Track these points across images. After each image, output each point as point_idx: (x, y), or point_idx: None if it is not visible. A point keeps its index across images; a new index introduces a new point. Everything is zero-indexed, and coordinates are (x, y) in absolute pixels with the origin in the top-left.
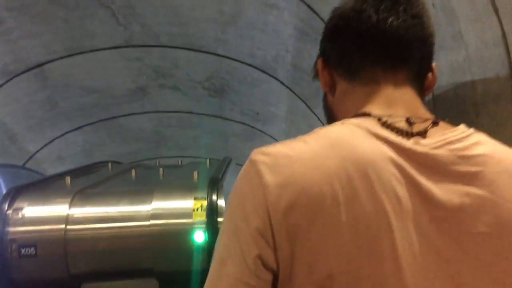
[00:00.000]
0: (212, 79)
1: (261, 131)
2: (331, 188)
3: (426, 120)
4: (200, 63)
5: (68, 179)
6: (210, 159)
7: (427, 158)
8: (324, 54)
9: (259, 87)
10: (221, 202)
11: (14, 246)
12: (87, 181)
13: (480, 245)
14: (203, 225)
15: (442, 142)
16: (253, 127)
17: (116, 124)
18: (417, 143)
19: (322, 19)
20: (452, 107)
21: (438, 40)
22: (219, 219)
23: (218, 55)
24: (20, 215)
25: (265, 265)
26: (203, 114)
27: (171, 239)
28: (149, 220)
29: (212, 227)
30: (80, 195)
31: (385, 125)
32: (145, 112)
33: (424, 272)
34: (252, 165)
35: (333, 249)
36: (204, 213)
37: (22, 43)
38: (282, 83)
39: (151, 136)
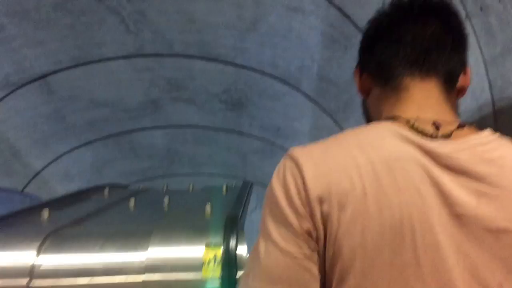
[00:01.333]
0: (230, 92)
1: (282, 147)
2: (360, 182)
3: (452, 123)
4: (217, 74)
5: (45, 213)
6: (227, 185)
7: (450, 159)
8: (361, 62)
9: (281, 100)
10: (242, 251)
11: None
12: (71, 215)
13: (497, 240)
14: (217, 284)
15: (465, 145)
16: (273, 143)
17: (127, 140)
18: (441, 145)
19: (354, 23)
20: None
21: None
22: (239, 273)
23: (237, 65)
24: None
25: (312, 242)
26: (219, 129)
27: None
28: (143, 273)
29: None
30: (54, 238)
31: (413, 127)
32: (158, 127)
33: (443, 263)
34: (292, 159)
35: (360, 234)
36: (219, 268)
37: (25, 52)
38: (306, 95)
39: (164, 152)
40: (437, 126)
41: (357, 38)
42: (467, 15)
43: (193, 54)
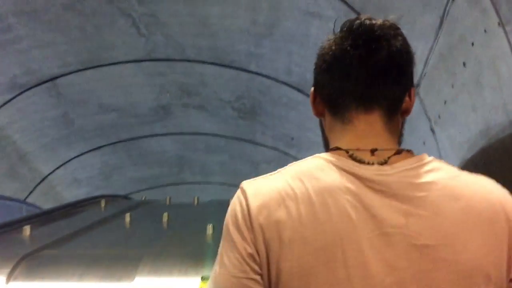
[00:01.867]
0: (243, 99)
1: (295, 158)
2: (296, 211)
3: (390, 150)
4: (230, 80)
5: (26, 231)
6: None
7: (381, 184)
8: (315, 86)
9: (296, 109)
10: None
11: None
12: (56, 233)
13: (422, 255)
14: None
15: (397, 170)
16: (286, 153)
17: (136, 146)
18: (375, 171)
19: None
20: None
21: None
22: None
23: (250, 71)
24: None
25: (255, 266)
26: (231, 138)
27: None
28: None
29: None
30: (29, 262)
31: (352, 157)
32: (168, 134)
33: (372, 277)
34: (242, 191)
35: (297, 257)
36: None
37: (33, 53)
38: None
39: (174, 159)
40: (374, 154)
41: None
42: (500, 22)
43: (205, 60)
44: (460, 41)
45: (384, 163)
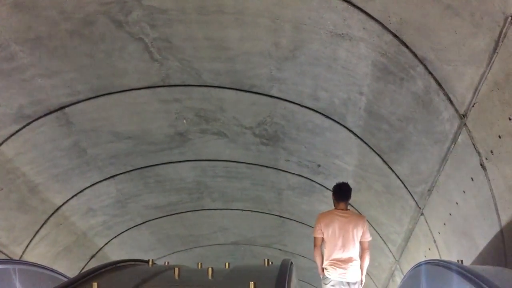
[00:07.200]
0: (265, 125)
1: (321, 185)
2: (331, 221)
3: (346, 208)
4: (251, 105)
5: None
6: (268, 260)
7: (345, 215)
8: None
9: (322, 135)
10: None
11: None
12: None
13: (348, 226)
14: None
15: (348, 213)
16: (312, 180)
17: (153, 173)
18: (343, 213)
19: (413, 52)
20: None
21: None
22: None
23: (273, 96)
24: None
25: (321, 233)
26: (253, 164)
27: None
28: None
29: None
30: None
31: (337, 209)
32: (186, 160)
33: (339, 234)
34: (319, 214)
35: (331, 231)
36: None
37: (39, 82)
38: (351, 131)
39: (193, 186)
40: (342, 209)
41: (416, 69)
42: None
43: (223, 84)
44: None
45: (345, 211)
